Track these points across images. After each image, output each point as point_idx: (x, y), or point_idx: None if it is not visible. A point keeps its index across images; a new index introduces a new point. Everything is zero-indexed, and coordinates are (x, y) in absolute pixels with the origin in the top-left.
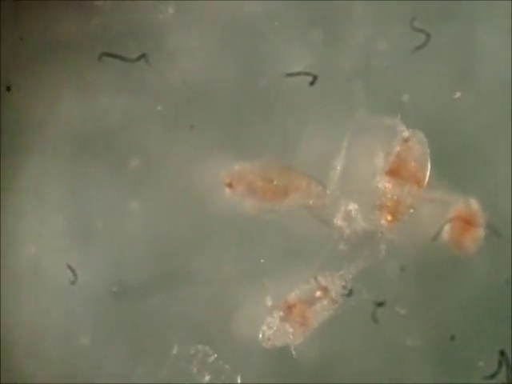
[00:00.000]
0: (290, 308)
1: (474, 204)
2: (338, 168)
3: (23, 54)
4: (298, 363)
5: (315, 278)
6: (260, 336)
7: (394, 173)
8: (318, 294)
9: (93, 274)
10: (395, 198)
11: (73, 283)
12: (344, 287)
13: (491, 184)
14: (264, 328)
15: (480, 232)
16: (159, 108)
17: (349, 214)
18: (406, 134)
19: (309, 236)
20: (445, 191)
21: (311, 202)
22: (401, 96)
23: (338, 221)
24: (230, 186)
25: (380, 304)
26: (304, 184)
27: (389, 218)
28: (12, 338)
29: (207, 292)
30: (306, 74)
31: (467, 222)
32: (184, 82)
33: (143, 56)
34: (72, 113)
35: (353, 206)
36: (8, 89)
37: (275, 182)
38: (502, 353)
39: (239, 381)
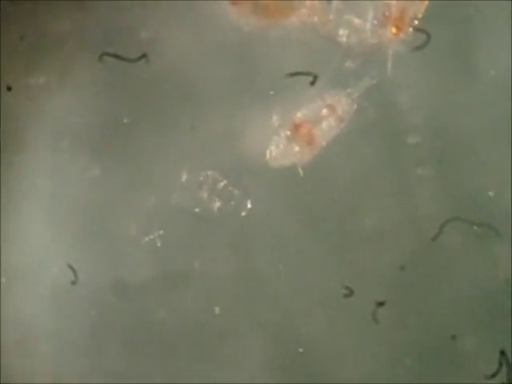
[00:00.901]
0: (296, 127)
1: None
2: None
3: (23, 54)
4: (306, 184)
5: (322, 97)
6: (267, 156)
7: None
8: (325, 112)
9: (94, 273)
10: (399, 10)
11: (74, 283)
12: (350, 105)
13: (491, 183)
14: (271, 148)
15: None
16: (159, 108)
17: (354, 29)
18: None
19: (314, 54)
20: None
21: (316, 18)
22: None
23: (344, 36)
24: (234, 2)
25: (380, 304)
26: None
27: (394, 30)
28: (11, 338)
29: (213, 114)
30: (307, 74)
31: None
32: (184, 82)
33: (143, 56)
34: (72, 113)
35: (357, 20)
36: (8, 89)
37: None
38: (503, 352)
39: (249, 205)
